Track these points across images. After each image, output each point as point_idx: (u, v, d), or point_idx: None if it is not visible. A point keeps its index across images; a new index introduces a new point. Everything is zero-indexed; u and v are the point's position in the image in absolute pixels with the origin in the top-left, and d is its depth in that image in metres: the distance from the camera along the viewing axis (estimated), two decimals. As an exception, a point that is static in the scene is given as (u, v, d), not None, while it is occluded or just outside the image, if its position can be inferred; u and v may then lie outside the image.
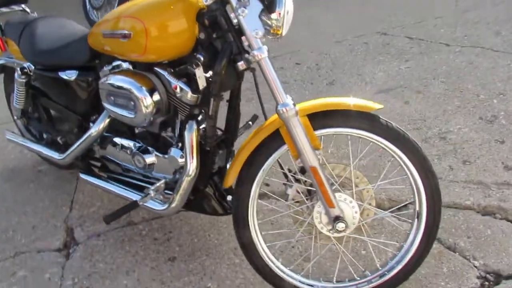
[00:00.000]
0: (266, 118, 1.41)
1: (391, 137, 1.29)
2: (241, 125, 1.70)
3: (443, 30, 3.40)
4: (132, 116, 1.43)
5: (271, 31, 1.27)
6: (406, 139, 1.30)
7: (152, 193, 1.46)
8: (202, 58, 1.30)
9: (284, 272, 1.41)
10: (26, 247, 1.86)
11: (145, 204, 1.54)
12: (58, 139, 1.86)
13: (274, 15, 1.22)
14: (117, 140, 1.67)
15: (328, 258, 1.59)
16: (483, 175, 1.91)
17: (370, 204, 1.39)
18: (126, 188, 1.68)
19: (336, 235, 1.34)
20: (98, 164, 1.86)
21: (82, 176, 1.80)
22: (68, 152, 1.78)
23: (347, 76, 2.89)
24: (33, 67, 1.81)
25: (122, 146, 1.65)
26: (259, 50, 1.21)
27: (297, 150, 1.25)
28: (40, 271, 1.73)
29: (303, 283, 1.42)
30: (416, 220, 1.35)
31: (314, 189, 1.33)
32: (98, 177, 1.79)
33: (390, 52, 3.13)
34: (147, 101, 1.39)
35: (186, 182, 1.45)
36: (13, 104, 1.98)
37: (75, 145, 1.75)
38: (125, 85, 1.40)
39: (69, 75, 1.68)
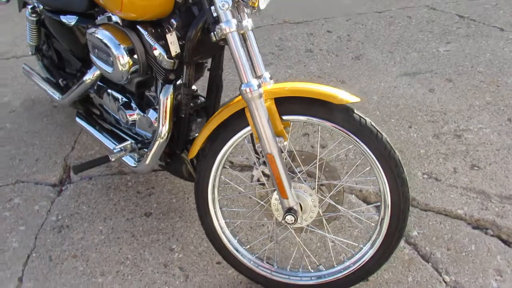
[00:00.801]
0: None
1: (362, 135, 1.19)
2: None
3: (502, 11, 3.02)
4: (110, 72, 1.43)
5: (249, 4, 1.18)
6: (379, 140, 1.19)
7: (120, 151, 1.49)
8: (175, 23, 1.25)
9: (237, 250, 1.41)
10: (27, 177, 2.00)
11: (122, 158, 1.58)
12: (60, 81, 1.92)
13: None
14: (109, 91, 1.69)
15: (294, 244, 1.57)
16: (488, 184, 1.75)
17: (337, 200, 1.33)
18: (112, 140, 1.72)
19: (288, 225, 1.30)
20: (98, 112, 1.91)
21: (77, 119, 1.86)
22: (66, 95, 1.84)
23: (377, 52, 2.68)
24: (41, 7, 1.85)
25: (112, 98, 1.68)
26: (227, 23, 1.14)
27: (257, 134, 1.19)
28: (32, 201, 1.85)
29: (256, 263, 1.41)
30: (378, 225, 1.28)
31: (295, 170, 1.29)
32: (92, 124, 1.84)
33: (433, 31, 2.85)
34: (124, 60, 1.37)
35: (157, 144, 1.46)
36: (27, 40, 2.05)
37: (72, 89, 1.80)
38: (105, 40, 1.39)
39: (69, 20, 1.68)
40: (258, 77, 1.29)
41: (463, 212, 1.64)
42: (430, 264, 1.49)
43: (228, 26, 1.14)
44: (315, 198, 1.28)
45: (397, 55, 2.62)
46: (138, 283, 1.49)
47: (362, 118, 1.20)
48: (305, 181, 1.31)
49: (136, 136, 1.68)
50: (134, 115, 1.58)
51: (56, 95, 1.91)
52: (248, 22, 1.26)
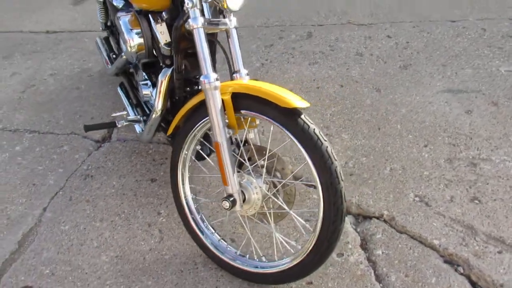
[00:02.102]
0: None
1: (302, 140, 1.25)
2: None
3: None
4: (124, 51, 1.68)
5: (221, 5, 1.30)
6: (317, 148, 1.23)
7: (126, 122, 1.75)
8: (165, 15, 1.43)
9: (197, 224, 1.57)
10: (79, 130, 2.41)
11: (135, 126, 1.86)
12: (111, 54, 2.26)
13: None
14: (137, 68, 1.96)
15: (259, 233, 1.67)
16: (481, 221, 1.62)
17: (288, 198, 1.40)
18: (134, 111, 2.00)
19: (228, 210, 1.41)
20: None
21: (118, 88, 2.19)
22: (112, 66, 2.17)
23: (429, 64, 2.52)
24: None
25: (138, 75, 1.94)
26: (193, 20, 1.28)
27: (210, 122, 1.33)
28: (75, 151, 2.25)
29: (210, 240, 1.56)
30: (313, 231, 1.32)
31: (246, 162, 1.41)
32: (126, 95, 2.14)
33: (504, 48, 2.56)
34: (132, 42, 1.61)
35: (153, 118, 1.69)
36: (98, 17, 2.44)
37: (114, 63, 2.12)
38: (122, 25, 1.63)
39: (118, 3, 1.98)
40: (235, 71, 1.42)
41: (439, 243, 1.56)
42: (380, 285, 1.47)
43: (195, 23, 1.29)
44: (259, 192, 1.37)
45: (449, 70, 2.44)
46: (123, 234, 1.76)
47: (306, 124, 1.26)
48: (260, 175, 1.41)
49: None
50: (148, 92, 1.82)
51: (108, 66, 2.26)
52: (230, 21, 1.40)
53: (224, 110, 1.33)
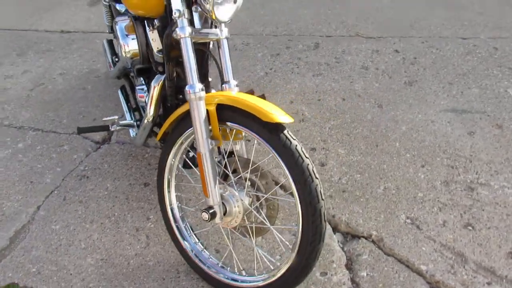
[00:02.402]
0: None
1: (283, 156, 1.23)
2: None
3: None
4: (119, 56, 1.70)
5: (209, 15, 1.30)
6: (298, 165, 1.21)
7: (119, 126, 1.76)
8: (156, 23, 1.44)
9: (181, 232, 1.57)
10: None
11: (129, 131, 1.88)
12: (113, 57, 2.28)
13: None
14: (135, 73, 1.97)
15: (244, 245, 1.66)
16: (473, 249, 1.56)
17: (270, 213, 1.39)
18: (131, 115, 2.01)
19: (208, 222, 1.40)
20: None
21: (118, 92, 2.21)
22: (113, 69, 2.20)
23: (435, 81, 2.47)
24: (111, -6, 2.22)
25: (136, 79, 1.96)
26: (180, 29, 1.28)
27: (194, 132, 1.32)
28: (75, 151, 2.28)
29: (193, 250, 1.55)
30: (291, 249, 1.30)
31: (230, 174, 1.40)
32: (125, 98, 2.16)
33: (515, 68, 2.48)
34: (127, 48, 1.62)
35: (145, 123, 1.70)
36: (104, 20, 2.47)
37: (116, 65, 2.14)
38: (117, 29, 1.65)
39: (120, 7, 2.00)
40: (225, 82, 1.42)
41: (426, 269, 1.51)
42: (360, 307, 1.44)
43: (182, 33, 1.29)
44: (241, 205, 1.36)
45: (455, 88, 2.38)
46: (111, 237, 1.77)
47: (288, 139, 1.24)
48: (244, 188, 1.40)
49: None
50: (143, 97, 1.83)
51: (111, 69, 2.29)
52: (221, 31, 1.39)
53: (209, 121, 1.33)
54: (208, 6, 1.27)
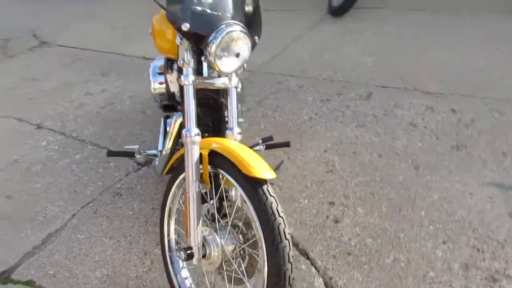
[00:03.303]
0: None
1: (257, 211, 1.24)
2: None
3: None
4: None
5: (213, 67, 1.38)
6: (270, 223, 1.22)
7: (143, 154, 1.91)
8: (175, 66, 1.56)
9: (172, 263, 1.63)
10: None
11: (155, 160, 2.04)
12: None
13: (209, 49, 1.32)
14: (164, 107, 2.10)
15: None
16: None
17: (252, 262, 1.39)
18: (162, 144, 2.16)
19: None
20: None
21: (161, 120, 2.38)
22: (159, 100, 2.39)
23: (488, 149, 2.24)
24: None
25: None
26: (184, 76, 1.38)
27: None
28: (118, 169, 2.50)
29: (182, 284, 1.60)
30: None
31: (218, 218, 1.45)
32: (165, 127, 2.32)
33: None
34: (154, 85, 1.78)
35: (162, 155, 1.82)
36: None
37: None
38: (151, 66, 1.81)
39: None
40: (229, 128, 1.48)
41: None
42: None
43: (185, 80, 1.39)
44: (219, 249, 1.38)
45: (508, 160, 2.13)
46: (121, 256, 1.91)
47: (265, 195, 1.25)
48: (229, 233, 1.42)
49: None
50: (167, 128, 1.97)
51: (157, 100, 2.50)
52: (230, 81, 1.47)
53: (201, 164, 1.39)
54: (211, 59, 1.35)
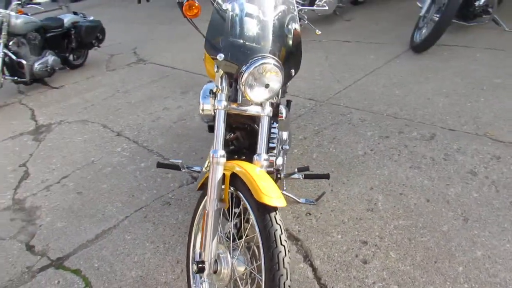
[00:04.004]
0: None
1: (262, 236, 1.29)
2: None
3: None
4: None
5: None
6: (272, 249, 1.27)
7: (187, 169, 2.06)
8: (213, 90, 1.69)
9: (194, 278, 1.72)
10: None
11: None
12: None
13: (241, 78, 1.43)
14: (208, 127, 2.23)
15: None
16: None
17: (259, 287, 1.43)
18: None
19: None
20: None
21: None
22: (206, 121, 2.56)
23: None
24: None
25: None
26: (217, 102, 1.50)
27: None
28: (173, 179, 2.71)
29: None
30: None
31: (235, 238, 1.53)
32: None
33: None
34: (202, 106, 1.92)
35: (202, 172, 1.96)
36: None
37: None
38: (202, 89, 1.96)
39: None
40: (257, 154, 1.56)
41: None
42: None
43: (218, 105, 1.51)
44: (230, 267, 1.45)
45: None
46: (157, 261, 2.07)
47: (271, 222, 1.30)
48: (241, 254, 1.49)
49: None
50: None
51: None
52: (263, 109, 1.56)
53: (223, 184, 1.49)
54: (242, 87, 1.46)
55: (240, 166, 1.47)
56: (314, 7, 1.85)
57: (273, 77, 1.47)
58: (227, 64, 1.48)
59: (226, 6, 1.53)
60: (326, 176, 2.08)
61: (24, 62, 4.53)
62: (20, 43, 4.65)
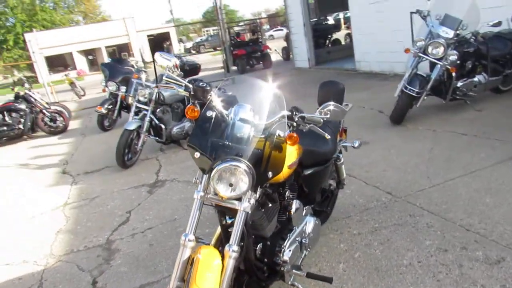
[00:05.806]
0: None
1: None
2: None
3: None
4: None
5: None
6: None
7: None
8: None
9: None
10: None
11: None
12: None
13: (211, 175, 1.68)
14: None
15: None
16: None
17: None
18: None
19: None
20: None
21: None
22: None
23: None
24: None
25: None
26: (196, 191, 1.73)
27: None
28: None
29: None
30: None
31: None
32: None
33: None
34: None
35: None
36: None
37: None
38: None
39: None
40: (228, 245, 1.73)
41: None
42: None
43: (196, 194, 1.76)
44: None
45: None
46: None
47: None
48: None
49: None
50: None
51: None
52: (240, 204, 1.73)
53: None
54: (211, 183, 1.67)
55: (202, 254, 1.65)
56: (315, 115, 1.89)
57: (239, 178, 1.64)
58: (202, 160, 1.73)
59: (210, 113, 1.80)
60: (329, 280, 2.03)
61: (163, 126, 5.58)
62: (165, 110, 5.77)
